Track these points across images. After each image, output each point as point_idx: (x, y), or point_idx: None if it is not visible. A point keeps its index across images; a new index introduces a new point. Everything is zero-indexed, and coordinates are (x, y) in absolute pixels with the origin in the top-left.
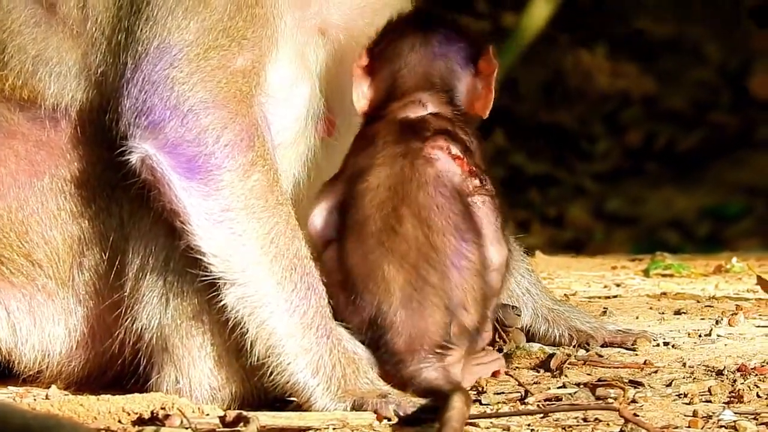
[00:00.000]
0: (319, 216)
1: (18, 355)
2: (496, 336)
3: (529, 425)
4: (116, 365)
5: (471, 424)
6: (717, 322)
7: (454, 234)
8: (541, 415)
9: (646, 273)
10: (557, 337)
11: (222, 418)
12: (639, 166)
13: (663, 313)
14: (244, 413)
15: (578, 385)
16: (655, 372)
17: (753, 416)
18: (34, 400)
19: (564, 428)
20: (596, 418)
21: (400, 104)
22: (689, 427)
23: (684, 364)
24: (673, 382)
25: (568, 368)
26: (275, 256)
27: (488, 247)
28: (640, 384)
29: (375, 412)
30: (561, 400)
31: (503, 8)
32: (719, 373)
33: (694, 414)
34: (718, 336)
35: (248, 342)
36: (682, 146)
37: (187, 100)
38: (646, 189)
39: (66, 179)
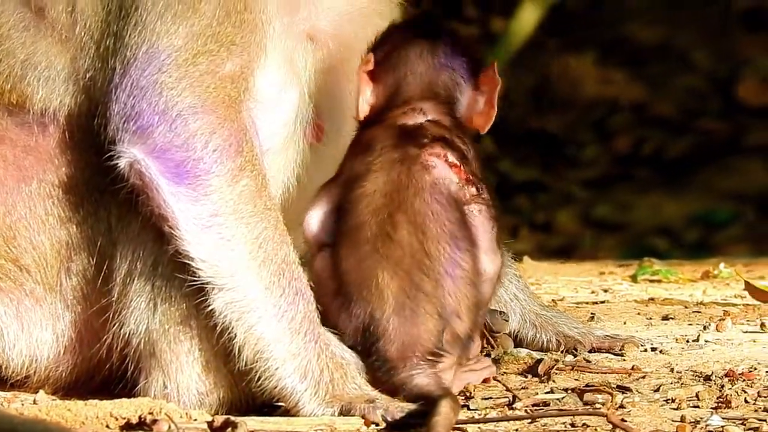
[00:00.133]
0: (314, 219)
1: (5, 360)
2: (484, 341)
3: (516, 430)
4: (104, 370)
5: (459, 429)
6: (705, 328)
7: (449, 242)
8: (529, 420)
9: (633, 279)
10: (545, 343)
11: (210, 423)
12: (627, 172)
13: (651, 319)
14: (232, 418)
15: (566, 390)
16: (643, 377)
17: (741, 421)
18: (22, 404)
19: None
20: (584, 424)
21: (400, 111)
22: None
23: (672, 370)
24: (661, 388)
25: (556, 373)
26: (263, 261)
27: (482, 257)
28: (628, 389)
29: (363, 417)
30: (549, 405)
31: (492, 13)
32: (707, 378)
33: (682, 419)
34: (706, 341)
35: (236, 347)
36: (670, 152)
37: (176, 105)
38: (635, 195)
39: (54, 184)
